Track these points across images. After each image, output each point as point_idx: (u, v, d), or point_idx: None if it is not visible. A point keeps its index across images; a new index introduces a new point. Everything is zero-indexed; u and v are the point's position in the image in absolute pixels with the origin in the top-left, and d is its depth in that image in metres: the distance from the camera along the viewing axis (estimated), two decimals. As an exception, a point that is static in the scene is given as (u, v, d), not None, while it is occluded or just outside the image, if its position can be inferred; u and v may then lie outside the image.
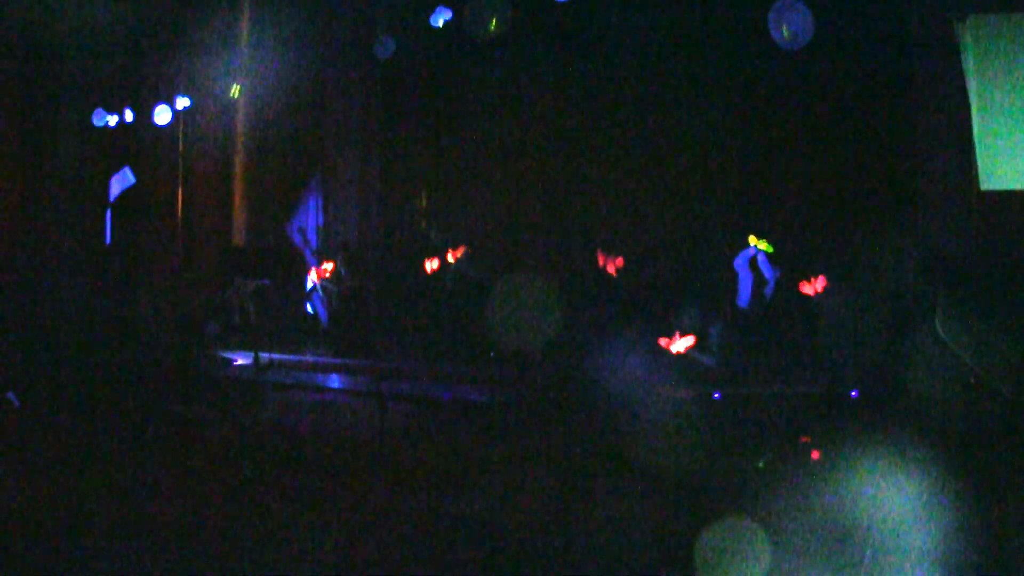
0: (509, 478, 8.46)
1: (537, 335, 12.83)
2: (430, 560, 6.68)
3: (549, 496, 7.91)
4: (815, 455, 9.63)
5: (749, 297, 13.18)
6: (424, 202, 16.63)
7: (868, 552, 6.35)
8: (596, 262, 13.47)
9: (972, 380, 10.70)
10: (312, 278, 15.56)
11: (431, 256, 14.89)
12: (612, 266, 13.45)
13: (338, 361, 14.40)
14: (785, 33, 11.77)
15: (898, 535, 6.53)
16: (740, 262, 13.20)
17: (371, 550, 6.84)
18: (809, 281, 12.56)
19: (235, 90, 16.28)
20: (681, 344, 12.28)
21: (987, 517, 6.77)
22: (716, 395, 11.61)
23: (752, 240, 13.11)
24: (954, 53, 13.18)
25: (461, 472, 8.76)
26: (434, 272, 14.76)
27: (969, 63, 13.10)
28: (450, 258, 14.65)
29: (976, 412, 9.86)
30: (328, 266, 15.36)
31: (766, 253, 13.06)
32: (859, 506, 6.98)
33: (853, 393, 11.45)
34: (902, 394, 10.62)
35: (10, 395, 10.71)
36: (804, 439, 10.21)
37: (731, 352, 12.41)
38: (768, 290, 13.12)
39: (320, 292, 15.44)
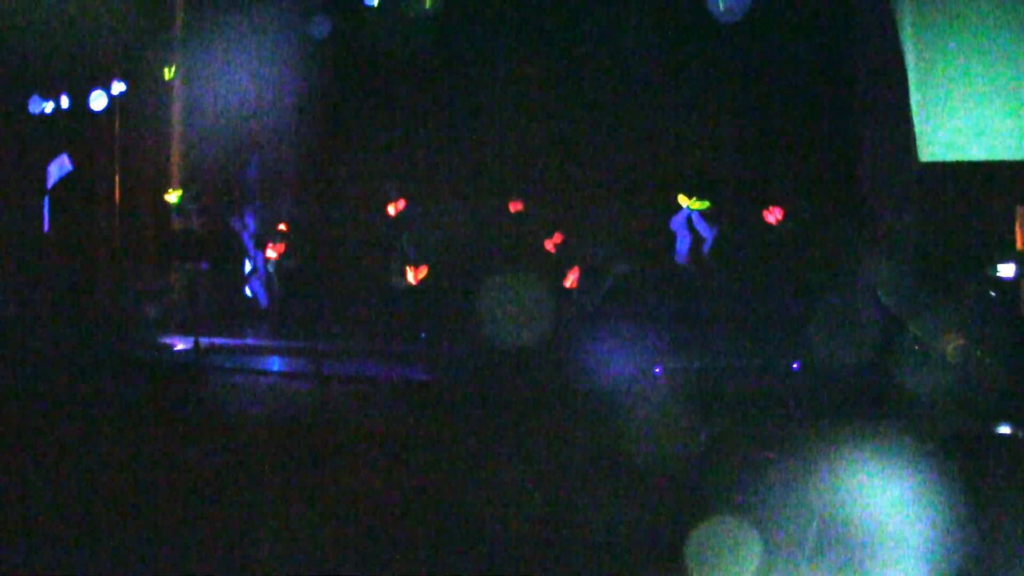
0: (450, 455, 8.39)
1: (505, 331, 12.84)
2: (370, 539, 6.61)
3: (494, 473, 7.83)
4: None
5: (685, 254, 13.21)
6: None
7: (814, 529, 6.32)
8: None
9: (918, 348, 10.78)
10: (251, 262, 15.51)
11: (413, 266, 14.79)
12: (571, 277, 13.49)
13: (279, 344, 14.33)
14: (720, 5, 11.78)
15: (886, 531, 6.48)
16: (677, 222, 13.24)
17: (313, 531, 6.76)
18: (769, 209, 12.62)
19: (169, 72, 16.13)
20: (570, 279, 12.30)
21: (976, 512, 6.74)
22: (656, 370, 11.57)
23: (683, 200, 13.13)
24: (892, 25, 13.19)
25: (399, 451, 8.68)
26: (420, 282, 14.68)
27: (907, 35, 13.13)
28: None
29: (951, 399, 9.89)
30: (279, 248, 15.29)
31: (700, 211, 13.10)
32: (850, 502, 6.92)
33: (794, 366, 11.46)
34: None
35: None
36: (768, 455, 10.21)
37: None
38: (706, 248, 13.14)
39: (264, 272, 15.37)
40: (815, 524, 6.41)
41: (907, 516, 6.53)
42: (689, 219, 13.25)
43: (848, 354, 10.97)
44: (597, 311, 12.93)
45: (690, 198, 13.19)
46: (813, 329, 11.63)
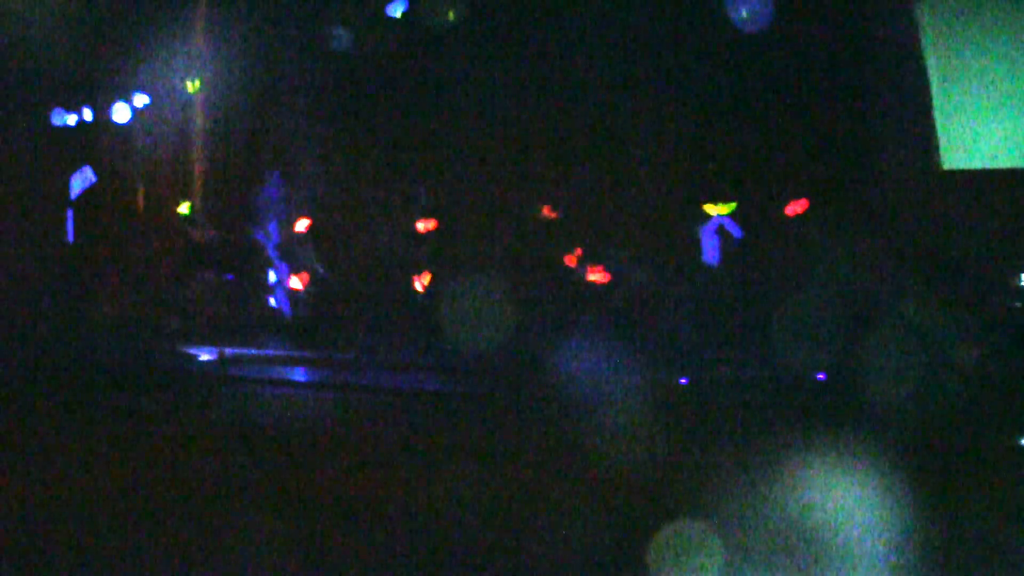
0: (457, 470, 8.39)
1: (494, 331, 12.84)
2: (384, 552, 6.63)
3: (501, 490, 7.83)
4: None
5: (718, 257, 13.23)
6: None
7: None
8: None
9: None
10: (275, 273, 15.55)
11: (419, 273, 14.82)
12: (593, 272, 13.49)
13: (302, 354, 14.34)
14: (744, 13, 11.79)
15: (858, 536, 6.48)
16: (708, 230, 13.26)
17: (330, 541, 6.78)
18: (792, 202, 12.62)
19: (192, 85, 16.19)
20: (595, 276, 12.29)
21: (946, 515, 6.75)
22: (683, 380, 11.53)
23: (710, 209, 13.15)
24: (913, 31, 13.16)
25: (420, 463, 8.69)
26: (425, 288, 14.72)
27: (928, 41, 13.09)
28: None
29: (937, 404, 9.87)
30: (304, 276, 15.39)
31: (729, 215, 13.13)
32: (818, 507, 6.92)
33: (820, 376, 11.40)
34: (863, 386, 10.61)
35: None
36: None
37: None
38: (737, 246, 13.19)
39: (287, 283, 15.46)
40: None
41: (881, 523, 6.56)
42: (721, 225, 13.28)
43: (867, 364, 10.95)
44: (620, 316, 12.92)
45: (715, 204, 13.22)
46: (834, 338, 11.61)
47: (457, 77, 15.86)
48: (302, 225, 15.65)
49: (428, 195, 15.22)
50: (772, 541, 6.43)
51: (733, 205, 13.37)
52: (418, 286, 14.60)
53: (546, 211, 14.55)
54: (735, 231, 13.24)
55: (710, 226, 13.36)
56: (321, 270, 15.57)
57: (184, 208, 16.09)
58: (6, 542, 6.83)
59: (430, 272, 14.56)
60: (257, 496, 7.79)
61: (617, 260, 13.31)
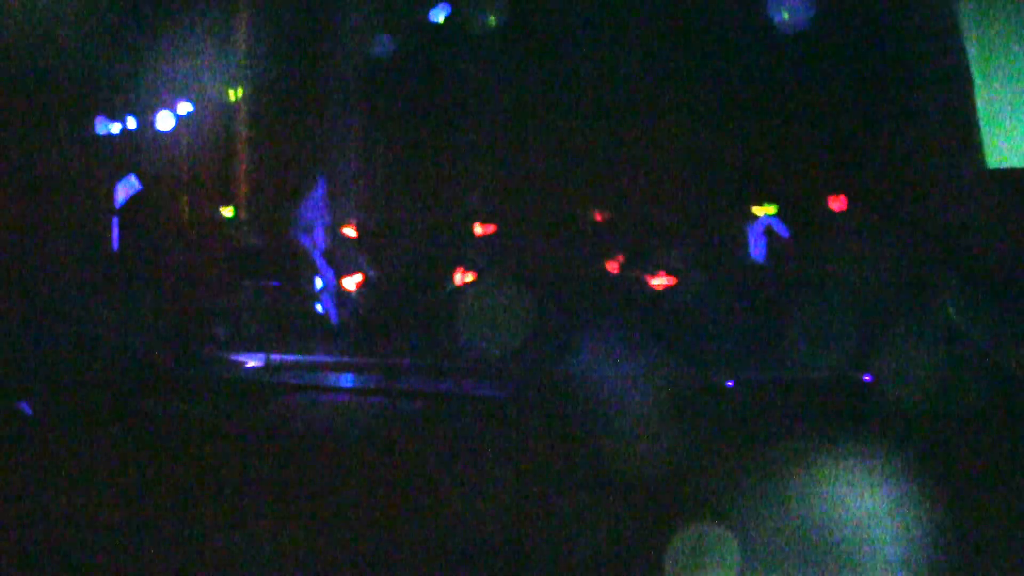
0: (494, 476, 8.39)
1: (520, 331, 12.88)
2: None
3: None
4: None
5: (765, 255, 13.24)
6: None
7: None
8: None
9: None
10: (322, 279, 15.63)
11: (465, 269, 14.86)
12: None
13: (349, 360, 14.37)
14: (784, 14, 11.77)
15: (876, 539, 6.47)
16: (756, 231, 13.27)
17: (370, 549, 6.81)
18: (834, 196, 12.61)
19: (235, 93, 16.28)
20: (660, 281, 12.30)
21: (972, 519, 6.72)
22: (729, 383, 11.49)
23: (757, 210, 13.15)
24: (955, 26, 13.10)
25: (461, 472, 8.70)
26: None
27: (971, 38, 13.02)
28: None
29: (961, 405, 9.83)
30: (358, 277, 15.44)
31: (775, 215, 13.15)
32: (837, 510, 6.90)
33: (866, 377, 11.33)
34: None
35: (22, 405, 10.71)
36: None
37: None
38: (785, 245, 13.21)
39: (335, 288, 15.52)
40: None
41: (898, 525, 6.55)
42: (768, 226, 13.31)
43: (912, 366, 10.92)
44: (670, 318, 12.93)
45: (762, 205, 13.25)
46: (876, 340, 11.57)
47: (500, 80, 15.90)
48: (350, 230, 15.73)
49: (482, 198, 15.26)
50: (796, 546, 6.42)
51: (776, 206, 13.38)
52: (458, 278, 14.64)
53: (597, 216, 14.59)
54: (782, 231, 13.25)
55: (757, 226, 13.37)
56: (371, 273, 15.63)
57: (228, 211, 16.17)
58: (56, 544, 6.90)
59: (476, 272, 14.60)
60: (298, 501, 7.82)
61: (676, 263, 13.32)
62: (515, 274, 14.55)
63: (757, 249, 13.41)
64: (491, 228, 14.91)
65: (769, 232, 13.39)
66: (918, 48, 13.60)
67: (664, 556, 6.17)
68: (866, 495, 7.11)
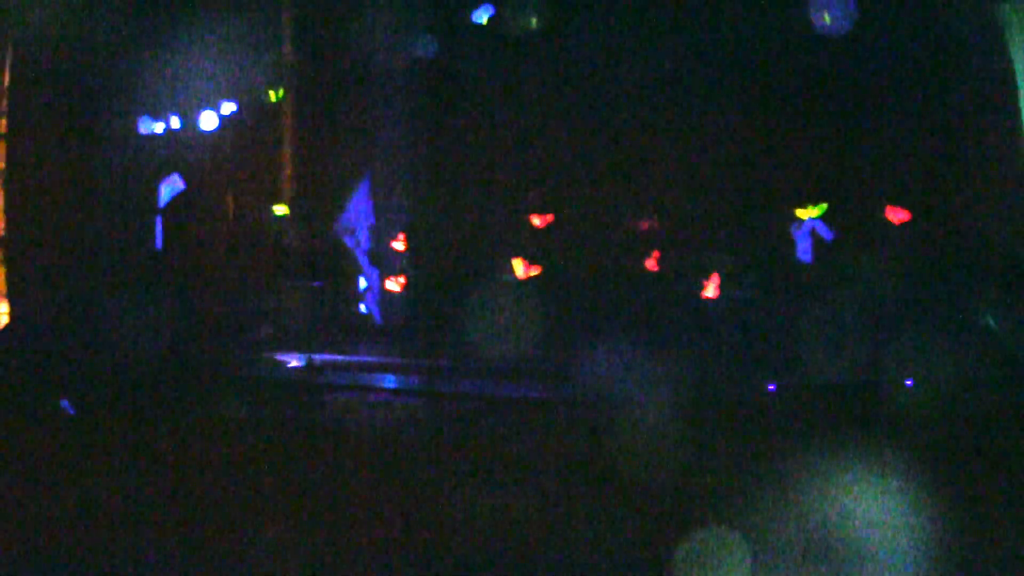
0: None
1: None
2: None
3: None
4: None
5: (811, 257, 13.26)
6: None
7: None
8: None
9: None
10: (366, 279, 15.70)
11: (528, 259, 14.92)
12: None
13: (394, 361, 14.41)
14: (826, 18, 11.75)
15: (883, 545, 6.46)
16: (800, 233, 13.30)
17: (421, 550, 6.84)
18: (894, 207, 12.64)
19: (275, 94, 16.33)
20: (712, 286, 12.33)
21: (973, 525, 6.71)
22: (771, 387, 11.43)
23: (801, 214, 13.16)
24: (1001, 32, 13.04)
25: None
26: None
27: (1015, 43, 12.96)
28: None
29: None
30: (401, 279, 15.54)
31: (820, 217, 13.16)
32: (846, 515, 6.89)
33: (908, 382, 11.25)
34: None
35: (64, 403, 10.78)
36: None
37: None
38: (829, 247, 13.23)
39: (379, 289, 15.61)
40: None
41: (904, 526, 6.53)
42: (813, 228, 13.33)
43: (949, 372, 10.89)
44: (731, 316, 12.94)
45: (805, 208, 13.28)
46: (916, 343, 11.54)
47: (545, 81, 15.91)
48: (399, 244, 15.78)
49: (540, 193, 15.28)
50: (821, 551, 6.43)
51: (824, 207, 13.39)
52: (519, 270, 14.65)
53: (643, 218, 14.61)
54: (826, 234, 13.27)
55: (803, 229, 13.39)
56: (413, 273, 15.68)
57: (281, 209, 16.22)
58: (98, 539, 6.97)
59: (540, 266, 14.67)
60: (338, 501, 7.86)
61: (725, 270, 13.31)
62: (563, 273, 14.63)
63: (802, 251, 13.43)
64: (549, 218, 14.94)
65: (813, 234, 13.40)
66: (963, 53, 13.53)
67: (683, 558, 6.20)
68: (897, 502, 7.09)
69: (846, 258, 13.38)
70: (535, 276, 14.66)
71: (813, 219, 13.31)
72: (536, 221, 14.98)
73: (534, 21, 13.55)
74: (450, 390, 12.02)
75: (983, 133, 13.37)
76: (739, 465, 8.27)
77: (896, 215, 12.88)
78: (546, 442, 9.95)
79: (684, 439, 9.15)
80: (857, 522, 6.70)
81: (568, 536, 7.02)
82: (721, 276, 13.26)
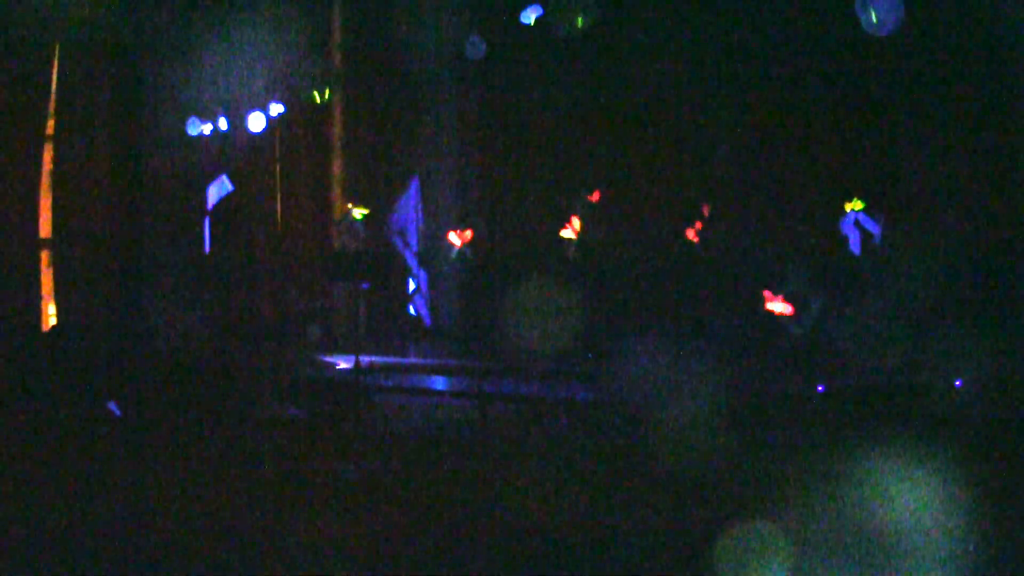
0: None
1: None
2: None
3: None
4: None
5: (860, 250, 13.27)
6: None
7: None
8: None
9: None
10: (414, 281, 15.73)
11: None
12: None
13: (442, 362, 14.40)
14: (873, 17, 11.64)
15: (922, 537, 6.39)
16: (846, 225, 13.36)
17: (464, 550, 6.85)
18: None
19: (323, 95, 16.35)
20: (778, 306, 12.25)
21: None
22: (820, 388, 11.33)
23: (847, 206, 13.23)
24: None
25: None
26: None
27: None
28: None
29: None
30: (468, 233, 15.52)
31: (863, 210, 13.19)
32: (884, 508, 6.82)
33: (957, 383, 11.13)
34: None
35: (111, 405, 10.82)
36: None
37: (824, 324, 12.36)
38: (876, 241, 13.25)
39: (427, 290, 15.61)
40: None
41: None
42: (856, 220, 13.32)
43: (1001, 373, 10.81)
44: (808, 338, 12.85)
45: (851, 201, 13.33)
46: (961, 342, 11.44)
47: (592, 80, 15.88)
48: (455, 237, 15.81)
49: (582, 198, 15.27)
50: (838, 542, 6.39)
51: (863, 204, 13.43)
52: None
53: (689, 234, 14.59)
54: (870, 225, 13.28)
55: (847, 220, 13.45)
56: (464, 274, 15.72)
57: (358, 212, 16.22)
58: (164, 540, 7.00)
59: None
60: (384, 501, 7.87)
61: (797, 284, 13.21)
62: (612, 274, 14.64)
63: (852, 239, 13.48)
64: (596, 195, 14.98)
65: (858, 226, 13.42)
66: (1016, 52, 13.38)
67: (724, 553, 6.19)
68: (945, 503, 7.03)
69: (895, 254, 13.31)
70: (584, 277, 14.61)
71: (856, 211, 13.38)
72: (573, 225, 14.98)
73: (580, 21, 13.48)
74: (495, 391, 11.96)
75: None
76: (784, 462, 8.25)
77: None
78: (591, 443, 9.94)
79: (725, 440, 9.14)
80: (897, 521, 6.64)
81: (612, 533, 7.00)
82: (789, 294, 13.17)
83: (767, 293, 12.53)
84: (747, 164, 15.08)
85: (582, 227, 14.93)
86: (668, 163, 15.68)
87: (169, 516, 7.55)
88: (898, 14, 11.44)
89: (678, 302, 14.16)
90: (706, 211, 14.57)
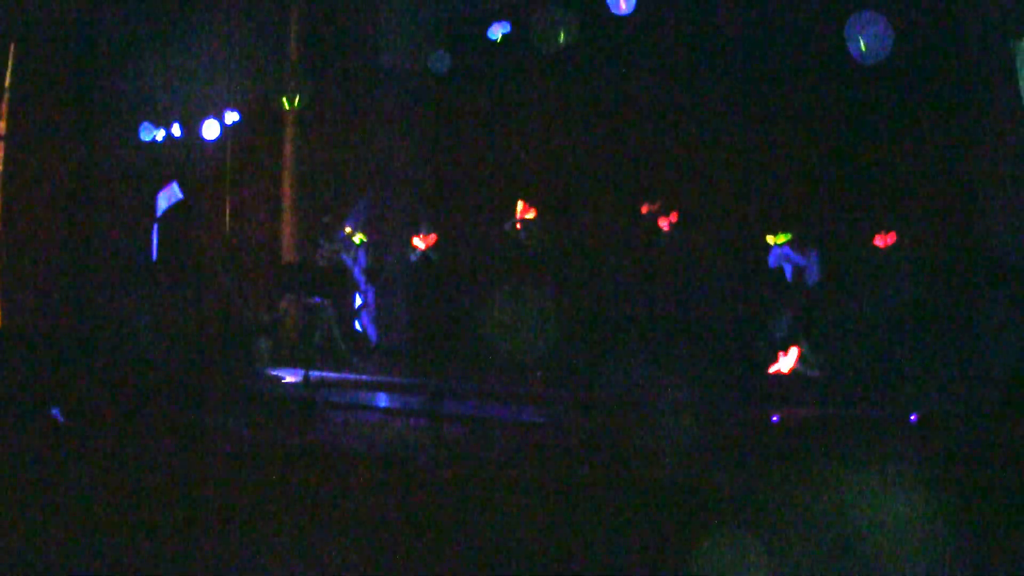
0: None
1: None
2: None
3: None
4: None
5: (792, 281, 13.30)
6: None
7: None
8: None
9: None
10: (361, 297, 15.58)
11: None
12: None
13: (388, 379, 14.28)
14: (862, 47, 11.67)
15: (902, 548, 6.33)
16: (773, 261, 13.33)
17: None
18: (882, 234, 12.62)
19: (278, 104, 16.18)
20: (788, 362, 12.26)
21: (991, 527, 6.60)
22: (774, 418, 11.24)
23: (770, 240, 13.20)
24: (1011, 72, 12.99)
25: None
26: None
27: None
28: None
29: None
30: (432, 237, 15.35)
31: (787, 244, 13.15)
32: (862, 518, 6.76)
33: (912, 417, 11.06)
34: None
35: (54, 411, 10.66)
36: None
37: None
38: (809, 276, 13.24)
39: (374, 307, 15.48)
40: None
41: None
42: (782, 254, 13.33)
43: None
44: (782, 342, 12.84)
45: (775, 235, 13.30)
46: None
47: (557, 98, 15.82)
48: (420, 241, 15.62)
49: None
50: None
51: (788, 236, 13.39)
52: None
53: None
54: (797, 259, 13.29)
55: (774, 255, 13.43)
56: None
57: (357, 236, 16.05)
58: (106, 549, 6.83)
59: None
60: (332, 519, 7.73)
61: (781, 329, 13.19)
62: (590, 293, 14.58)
63: (788, 273, 13.46)
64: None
65: (787, 260, 13.44)
66: (974, 93, 13.44)
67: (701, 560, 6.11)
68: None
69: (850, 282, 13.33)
70: (546, 295, 14.50)
71: (778, 245, 13.36)
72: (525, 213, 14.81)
73: (553, 39, 13.38)
74: (445, 411, 11.83)
75: (996, 169, 13.28)
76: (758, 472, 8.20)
77: (883, 240, 12.95)
78: (547, 463, 9.81)
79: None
80: (873, 533, 6.57)
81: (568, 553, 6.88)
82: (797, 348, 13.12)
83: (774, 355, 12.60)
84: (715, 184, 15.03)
85: (525, 211, 14.72)
86: (629, 178, 15.59)
87: (108, 530, 7.38)
88: (886, 43, 11.50)
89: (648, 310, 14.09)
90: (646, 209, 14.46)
